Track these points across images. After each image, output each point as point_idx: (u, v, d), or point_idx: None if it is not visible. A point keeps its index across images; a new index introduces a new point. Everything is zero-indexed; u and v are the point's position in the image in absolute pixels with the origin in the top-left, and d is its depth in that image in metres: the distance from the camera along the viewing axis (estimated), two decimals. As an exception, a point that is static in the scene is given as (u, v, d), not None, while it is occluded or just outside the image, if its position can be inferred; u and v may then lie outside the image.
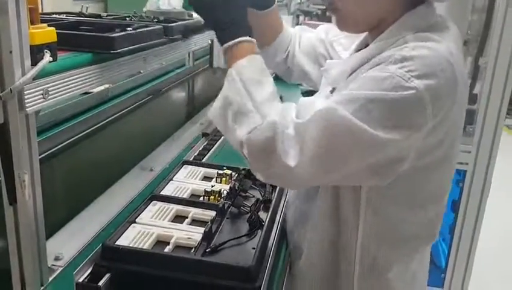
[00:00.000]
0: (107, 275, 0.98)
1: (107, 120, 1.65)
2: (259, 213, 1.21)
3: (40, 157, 1.26)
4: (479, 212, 2.03)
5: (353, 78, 0.97)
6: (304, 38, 1.34)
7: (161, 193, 1.32)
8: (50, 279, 1.00)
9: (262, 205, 1.27)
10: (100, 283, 0.95)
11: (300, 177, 0.93)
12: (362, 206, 1.03)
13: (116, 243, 1.05)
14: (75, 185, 1.45)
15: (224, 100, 0.97)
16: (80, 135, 1.48)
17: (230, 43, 0.99)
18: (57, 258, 1.07)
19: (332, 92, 1.04)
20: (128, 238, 1.08)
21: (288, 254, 1.25)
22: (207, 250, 1.05)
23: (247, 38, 0.99)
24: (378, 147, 0.88)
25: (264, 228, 1.14)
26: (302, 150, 0.90)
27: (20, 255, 0.92)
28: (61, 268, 1.04)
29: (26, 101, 0.81)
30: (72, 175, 1.45)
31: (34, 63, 0.82)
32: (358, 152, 0.90)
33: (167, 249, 1.06)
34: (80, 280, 0.96)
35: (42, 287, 0.97)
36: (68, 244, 1.14)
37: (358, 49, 1.08)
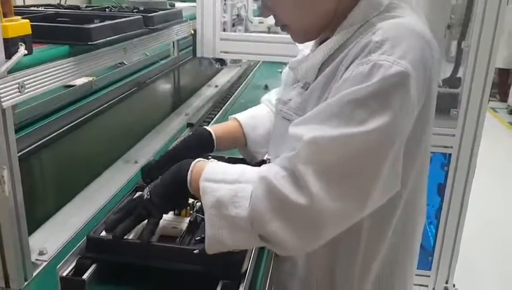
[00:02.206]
0: (92, 268, 0.97)
1: (91, 113, 1.64)
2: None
3: (24, 151, 1.26)
4: (465, 194, 2.05)
5: (328, 73, 0.91)
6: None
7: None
8: (34, 274, 1.00)
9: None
10: (84, 276, 0.94)
11: (326, 214, 0.80)
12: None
13: (100, 235, 1.04)
14: (60, 179, 1.44)
15: (210, 210, 0.88)
16: (64, 128, 1.48)
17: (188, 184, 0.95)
18: (41, 253, 1.06)
19: (304, 87, 0.99)
20: None
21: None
22: (194, 239, 1.05)
23: (190, 167, 0.95)
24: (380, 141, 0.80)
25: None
26: (309, 182, 0.79)
27: (3, 251, 0.92)
28: (46, 263, 1.04)
29: (1, 95, 0.80)
30: (57, 169, 1.45)
31: (8, 56, 0.81)
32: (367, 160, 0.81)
33: (153, 239, 1.06)
34: (64, 274, 0.95)
35: (26, 282, 0.97)
36: (53, 238, 1.13)
37: (321, 42, 1.06)
